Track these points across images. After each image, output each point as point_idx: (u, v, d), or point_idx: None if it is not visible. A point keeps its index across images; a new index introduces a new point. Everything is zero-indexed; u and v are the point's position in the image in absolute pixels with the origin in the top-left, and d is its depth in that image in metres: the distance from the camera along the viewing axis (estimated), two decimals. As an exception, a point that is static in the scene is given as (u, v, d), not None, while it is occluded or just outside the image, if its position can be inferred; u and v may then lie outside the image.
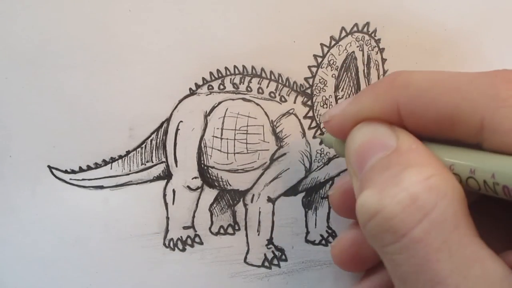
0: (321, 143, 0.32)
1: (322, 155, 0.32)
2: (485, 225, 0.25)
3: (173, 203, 0.31)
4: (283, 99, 0.31)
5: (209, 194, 0.32)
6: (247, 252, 0.32)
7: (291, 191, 0.32)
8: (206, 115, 0.31)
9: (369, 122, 0.23)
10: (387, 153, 0.21)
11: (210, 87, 0.31)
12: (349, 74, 0.31)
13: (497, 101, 0.19)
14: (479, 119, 0.20)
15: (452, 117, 0.21)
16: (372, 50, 0.31)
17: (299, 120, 0.31)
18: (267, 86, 0.31)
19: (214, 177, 0.31)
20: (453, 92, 0.21)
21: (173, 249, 0.31)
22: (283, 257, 0.32)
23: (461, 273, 0.18)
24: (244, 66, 0.31)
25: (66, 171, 0.30)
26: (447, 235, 0.19)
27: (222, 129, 0.31)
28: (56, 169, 0.30)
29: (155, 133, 0.31)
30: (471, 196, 0.26)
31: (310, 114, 0.31)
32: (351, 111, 0.24)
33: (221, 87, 0.31)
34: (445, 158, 0.21)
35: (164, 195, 0.31)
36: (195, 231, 0.32)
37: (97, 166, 0.30)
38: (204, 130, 0.31)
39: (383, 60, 0.32)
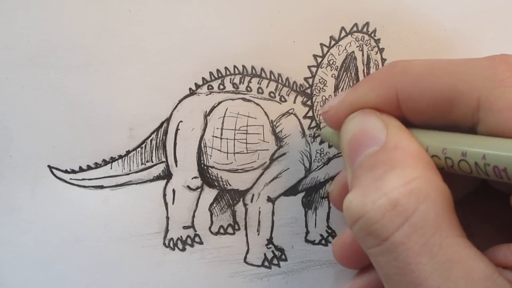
0: (320, 140, 0.32)
1: (322, 155, 0.32)
2: (477, 219, 0.25)
3: (173, 203, 0.31)
4: (283, 99, 0.31)
5: (209, 194, 0.32)
6: (247, 252, 0.32)
7: (291, 191, 0.32)
8: (206, 115, 0.31)
9: (362, 112, 0.23)
10: (376, 149, 0.21)
11: (210, 87, 0.31)
12: (348, 74, 0.31)
13: (494, 81, 0.20)
14: (475, 98, 0.20)
15: (449, 98, 0.21)
16: (372, 50, 0.31)
17: (299, 120, 0.32)
18: (267, 86, 0.31)
19: (214, 177, 0.31)
20: (451, 74, 0.21)
21: (173, 249, 0.31)
22: (283, 256, 0.32)
23: (442, 275, 0.19)
24: (244, 66, 0.31)
25: (66, 171, 0.30)
26: (427, 238, 0.19)
27: (222, 129, 0.31)
28: (56, 169, 0.30)
29: (155, 133, 0.31)
30: (464, 190, 0.26)
31: (310, 114, 0.31)
32: (349, 100, 0.24)
33: (221, 87, 0.31)
34: (438, 143, 0.21)
35: (164, 195, 0.31)
36: (195, 230, 0.32)
37: (97, 166, 0.30)
38: (204, 130, 0.31)
39: (383, 60, 0.32)
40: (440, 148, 0.21)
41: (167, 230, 0.31)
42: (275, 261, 0.32)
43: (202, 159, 0.31)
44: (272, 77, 0.31)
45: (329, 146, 0.32)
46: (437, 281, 0.19)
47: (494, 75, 0.20)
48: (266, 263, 0.32)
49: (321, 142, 0.32)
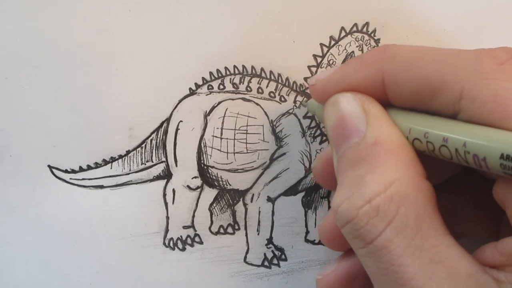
0: (320, 140, 0.32)
1: (322, 154, 0.32)
2: (463, 202, 0.26)
3: (173, 203, 0.31)
4: (282, 99, 0.31)
5: (209, 194, 0.32)
6: (247, 252, 0.32)
7: (291, 191, 0.32)
8: (206, 115, 0.31)
9: (343, 96, 0.23)
10: (356, 141, 0.22)
11: (210, 87, 0.31)
12: (348, 74, 0.31)
13: (480, 73, 0.20)
14: (459, 88, 0.20)
15: (433, 87, 0.21)
16: (372, 50, 0.31)
17: (299, 120, 0.32)
18: (267, 86, 0.31)
19: (214, 177, 0.31)
20: (438, 63, 0.21)
21: (173, 249, 0.31)
22: (283, 256, 0.33)
23: (425, 275, 0.19)
24: (244, 66, 0.31)
25: (66, 171, 0.30)
26: (409, 240, 0.20)
27: (222, 128, 0.31)
28: (56, 168, 0.30)
29: (155, 133, 0.31)
30: (450, 171, 0.26)
31: (310, 114, 0.32)
32: (337, 77, 0.24)
33: (221, 87, 0.31)
34: (420, 126, 0.22)
35: (164, 195, 0.31)
36: (195, 230, 0.32)
37: (97, 165, 0.30)
38: (204, 129, 0.31)
39: (383, 60, 0.32)
40: (422, 132, 0.21)
41: (167, 230, 0.31)
42: (275, 261, 0.32)
43: (202, 159, 0.31)
44: (272, 77, 0.31)
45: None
46: (420, 282, 0.19)
47: (480, 67, 0.20)
48: (266, 263, 0.32)
49: (321, 142, 0.32)
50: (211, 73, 0.30)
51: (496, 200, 0.21)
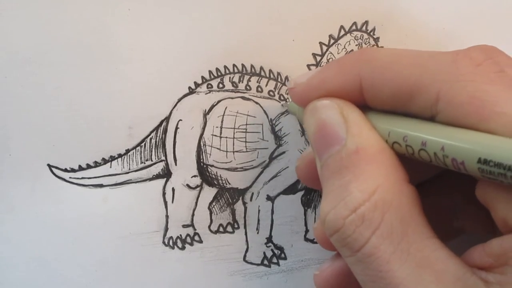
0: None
1: (321, 153, 0.32)
2: (462, 198, 0.26)
3: (172, 202, 0.31)
4: (282, 98, 0.31)
5: (209, 193, 0.32)
6: (247, 250, 0.32)
7: (290, 190, 0.32)
8: (205, 114, 0.31)
9: (322, 103, 0.24)
10: (338, 149, 0.22)
11: (209, 86, 0.31)
12: (348, 73, 0.31)
13: (456, 75, 0.20)
14: (436, 91, 0.20)
15: (410, 90, 0.21)
16: (371, 48, 0.31)
17: (298, 119, 0.32)
18: (266, 85, 0.31)
19: (213, 176, 0.31)
20: (414, 66, 0.21)
21: (173, 248, 0.31)
22: (283, 255, 0.33)
23: (413, 280, 0.19)
24: (243, 65, 0.31)
25: (65, 170, 0.30)
26: (395, 246, 0.20)
27: (221, 127, 0.31)
28: (56, 167, 0.30)
29: (155, 132, 0.31)
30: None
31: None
32: (315, 81, 0.24)
33: (220, 85, 0.31)
34: (399, 129, 0.22)
35: (164, 194, 0.31)
36: (195, 229, 0.32)
37: (97, 164, 0.30)
38: (203, 128, 0.31)
39: (382, 59, 0.32)
40: (401, 135, 0.21)
41: (166, 229, 0.31)
42: (274, 260, 0.32)
43: (201, 157, 0.31)
44: (271, 76, 0.31)
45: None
46: (409, 287, 0.19)
47: (456, 69, 0.20)
48: (265, 262, 0.32)
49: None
50: (210, 72, 0.30)
51: (479, 201, 0.21)
